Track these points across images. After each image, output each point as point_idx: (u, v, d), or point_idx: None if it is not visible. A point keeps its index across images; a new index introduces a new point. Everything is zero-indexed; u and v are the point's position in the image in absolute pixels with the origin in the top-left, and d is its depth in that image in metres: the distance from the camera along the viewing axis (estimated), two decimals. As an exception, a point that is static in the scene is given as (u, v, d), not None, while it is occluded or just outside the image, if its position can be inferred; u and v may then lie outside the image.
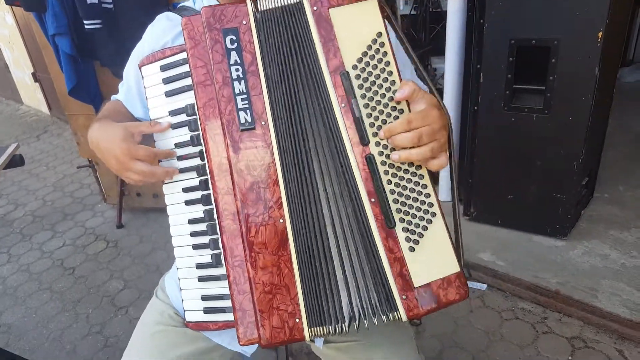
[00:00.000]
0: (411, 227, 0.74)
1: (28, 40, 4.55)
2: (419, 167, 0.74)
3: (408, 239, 0.73)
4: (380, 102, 0.72)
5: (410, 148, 0.71)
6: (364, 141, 0.72)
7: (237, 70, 0.71)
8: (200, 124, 0.74)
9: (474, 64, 2.13)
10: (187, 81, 0.79)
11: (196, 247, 0.83)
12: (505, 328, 1.86)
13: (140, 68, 0.84)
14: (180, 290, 0.86)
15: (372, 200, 0.72)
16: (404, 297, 0.72)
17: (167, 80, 0.81)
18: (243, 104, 0.72)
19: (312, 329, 0.74)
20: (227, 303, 0.80)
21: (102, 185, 3.07)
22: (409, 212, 0.74)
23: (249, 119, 0.72)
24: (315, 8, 0.71)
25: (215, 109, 0.73)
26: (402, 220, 0.73)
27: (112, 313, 2.24)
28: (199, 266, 0.84)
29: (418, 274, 0.73)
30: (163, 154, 0.81)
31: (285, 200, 0.73)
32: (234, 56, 0.71)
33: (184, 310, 0.86)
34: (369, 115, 0.72)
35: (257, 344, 0.77)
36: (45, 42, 2.46)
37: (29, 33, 4.25)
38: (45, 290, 2.46)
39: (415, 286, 0.73)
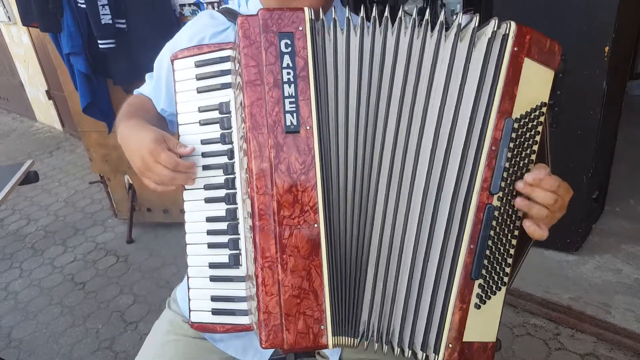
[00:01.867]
0: (486, 286, 0.76)
1: (43, 59, 4.64)
2: (515, 235, 0.76)
3: (479, 296, 0.75)
4: (519, 164, 0.74)
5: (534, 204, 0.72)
6: (494, 190, 0.72)
7: (288, 73, 0.72)
8: (245, 123, 0.74)
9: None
10: (221, 80, 0.80)
11: (212, 246, 0.83)
12: (517, 344, 1.84)
13: (172, 61, 0.85)
14: (189, 289, 0.86)
15: (472, 247, 0.73)
16: (449, 345, 0.74)
17: (200, 77, 0.82)
18: (290, 107, 0.72)
19: (336, 337, 0.75)
20: (238, 305, 0.81)
21: (113, 201, 3.11)
22: (491, 272, 0.76)
23: (295, 122, 0.72)
24: (516, 49, 0.70)
25: (262, 109, 0.73)
26: (482, 276, 0.75)
27: (122, 328, 2.24)
28: (213, 266, 0.83)
29: (470, 330, 0.75)
30: (185, 166, 0.81)
31: (322, 206, 0.73)
32: (286, 60, 0.72)
33: (190, 311, 0.86)
34: (506, 169, 0.73)
35: (282, 352, 0.77)
36: (59, 61, 2.52)
37: (44, 52, 4.34)
38: (56, 305, 2.47)
39: (463, 340, 0.75)
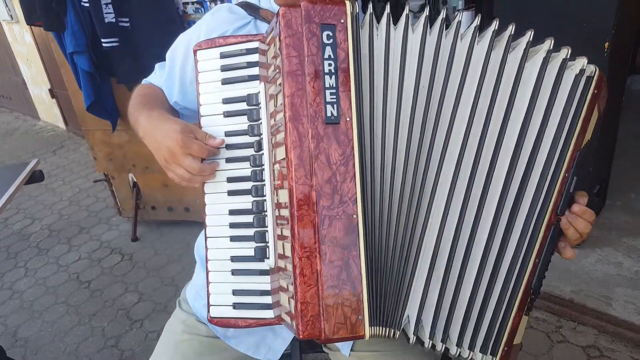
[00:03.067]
0: (533, 296, 0.80)
1: (46, 58, 4.65)
2: (553, 251, 0.82)
3: (529, 305, 0.80)
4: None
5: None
6: (561, 212, 0.77)
7: (329, 65, 0.73)
8: (285, 112, 0.74)
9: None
10: (248, 71, 0.81)
11: (235, 239, 0.83)
12: (520, 337, 1.86)
13: (195, 52, 0.84)
14: (209, 283, 0.85)
15: (537, 260, 0.78)
16: (505, 348, 0.79)
17: (225, 68, 0.82)
18: (331, 98, 0.73)
19: (374, 327, 0.75)
20: (262, 299, 0.80)
21: (118, 199, 3.12)
22: (540, 283, 0.80)
23: (335, 113, 0.73)
24: (595, 91, 0.75)
25: (302, 99, 0.73)
26: (536, 286, 0.79)
27: (128, 326, 2.25)
28: (235, 259, 0.83)
29: (518, 335, 0.81)
30: (214, 153, 0.81)
31: (360, 197, 0.73)
32: (328, 51, 0.73)
33: (209, 305, 0.85)
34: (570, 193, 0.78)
35: (318, 342, 0.77)
36: (63, 59, 2.53)
37: (47, 51, 4.34)
38: (62, 304, 2.49)
39: (514, 343, 0.80)
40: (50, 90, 5.01)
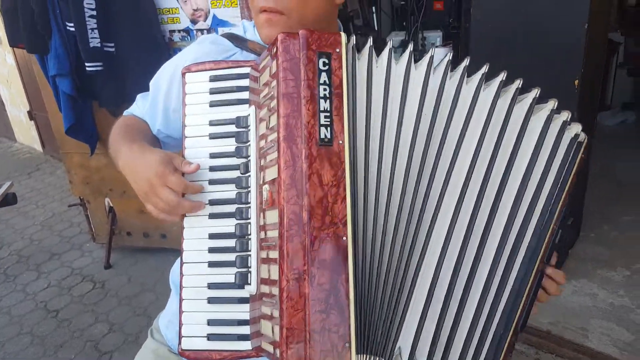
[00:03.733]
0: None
1: (26, 80, 4.60)
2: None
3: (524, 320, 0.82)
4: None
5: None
6: (547, 261, 0.82)
7: (324, 89, 0.75)
8: (278, 133, 0.75)
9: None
10: (237, 95, 0.83)
11: (213, 264, 0.81)
12: (498, 369, 1.85)
13: (183, 74, 0.85)
14: (182, 312, 0.82)
15: (525, 304, 0.80)
16: None
17: (214, 91, 0.84)
18: (325, 121, 0.75)
19: (360, 355, 0.74)
20: (239, 330, 0.78)
21: (92, 224, 3.05)
22: (525, 324, 0.83)
23: (329, 136, 0.74)
24: (584, 156, 0.81)
25: (297, 120, 0.75)
26: (522, 327, 0.82)
27: (96, 358, 2.16)
28: (212, 286, 0.81)
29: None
30: (193, 189, 0.80)
31: (350, 219, 0.73)
32: (323, 77, 0.76)
33: (181, 337, 0.81)
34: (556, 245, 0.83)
35: None
36: (44, 81, 2.51)
37: (28, 73, 4.30)
38: (26, 334, 2.38)
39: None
40: (29, 112, 4.95)
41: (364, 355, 0.75)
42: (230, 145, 0.83)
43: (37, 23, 2.22)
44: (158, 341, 1.01)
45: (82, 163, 2.80)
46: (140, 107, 1.07)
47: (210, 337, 0.79)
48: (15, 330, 2.43)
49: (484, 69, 0.79)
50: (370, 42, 0.78)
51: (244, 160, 0.82)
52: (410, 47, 0.79)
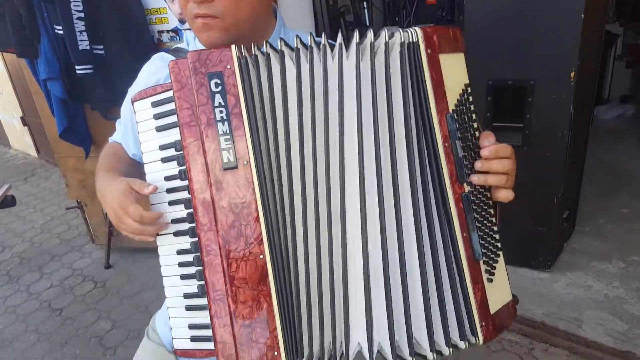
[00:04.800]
0: (489, 260, 0.80)
1: (17, 85, 4.60)
2: (490, 203, 0.82)
3: (487, 271, 0.79)
4: (469, 145, 0.79)
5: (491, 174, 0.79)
6: (461, 180, 0.77)
7: (220, 112, 0.75)
8: (186, 163, 0.77)
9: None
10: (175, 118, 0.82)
11: (184, 277, 0.84)
12: (493, 359, 1.88)
13: (132, 103, 0.87)
14: (169, 318, 0.87)
15: (464, 235, 0.77)
16: (483, 323, 0.77)
17: (157, 116, 0.84)
18: (226, 144, 0.75)
19: None
20: None
21: (91, 226, 3.07)
22: (487, 247, 0.80)
23: (232, 159, 0.75)
24: (429, 51, 0.74)
25: (199, 149, 0.76)
26: (483, 254, 0.79)
27: (101, 354, 2.20)
28: (187, 296, 0.84)
29: (493, 303, 0.79)
30: (150, 218, 0.82)
31: (266, 236, 0.75)
32: (218, 99, 0.75)
33: (172, 338, 0.87)
34: (464, 157, 0.78)
35: None
36: (36, 87, 2.52)
37: (19, 78, 4.30)
38: (32, 332, 2.42)
39: (492, 313, 0.79)
40: (22, 118, 4.95)
41: None
42: (176, 168, 0.84)
43: (25, 27, 2.22)
44: (154, 341, 1.03)
45: (77, 166, 2.81)
46: (118, 132, 1.11)
47: (193, 338, 0.85)
48: (21, 328, 2.47)
49: (356, 37, 0.74)
50: (256, 49, 0.75)
51: (187, 182, 0.81)
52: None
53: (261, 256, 0.75)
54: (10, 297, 2.77)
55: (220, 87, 0.75)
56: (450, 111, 0.76)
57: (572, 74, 1.92)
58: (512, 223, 2.21)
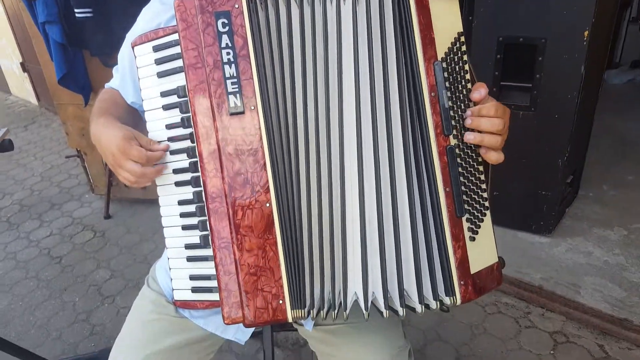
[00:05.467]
0: (473, 218, 0.78)
1: (17, 30, 4.50)
2: (479, 161, 0.79)
3: (470, 229, 0.77)
4: (459, 97, 0.76)
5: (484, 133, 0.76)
6: (447, 132, 0.74)
7: (228, 54, 0.72)
8: (190, 107, 0.75)
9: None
10: (180, 62, 0.79)
11: (185, 227, 0.84)
12: (489, 322, 1.89)
13: (133, 48, 0.84)
14: (170, 269, 0.87)
15: (447, 189, 0.75)
16: (461, 282, 0.76)
17: (159, 61, 0.81)
18: (233, 88, 0.72)
19: (296, 310, 0.76)
20: (214, 283, 0.81)
21: (90, 176, 3.06)
22: (472, 204, 0.78)
23: (239, 103, 0.72)
24: None
25: (205, 92, 0.73)
26: (466, 211, 0.77)
27: (99, 302, 2.23)
28: (188, 246, 0.84)
29: (474, 262, 0.77)
30: (154, 157, 0.81)
31: (273, 185, 0.74)
32: (225, 40, 0.72)
33: (172, 289, 0.87)
34: (451, 108, 0.74)
35: (243, 326, 0.78)
36: (35, 31, 2.45)
37: (18, 23, 4.21)
38: (32, 279, 2.45)
39: (472, 273, 0.77)
40: (22, 64, 4.87)
41: (299, 310, 0.76)
42: (178, 115, 0.81)
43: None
44: (155, 290, 1.03)
45: (77, 114, 2.76)
46: (115, 79, 1.08)
47: (194, 289, 0.85)
48: (21, 274, 2.50)
49: None
50: None
51: (190, 129, 0.80)
52: None
53: (267, 204, 0.74)
54: (10, 243, 2.79)
55: (227, 28, 0.72)
56: (439, 59, 0.74)
57: (586, 33, 1.85)
58: (514, 186, 2.19)
